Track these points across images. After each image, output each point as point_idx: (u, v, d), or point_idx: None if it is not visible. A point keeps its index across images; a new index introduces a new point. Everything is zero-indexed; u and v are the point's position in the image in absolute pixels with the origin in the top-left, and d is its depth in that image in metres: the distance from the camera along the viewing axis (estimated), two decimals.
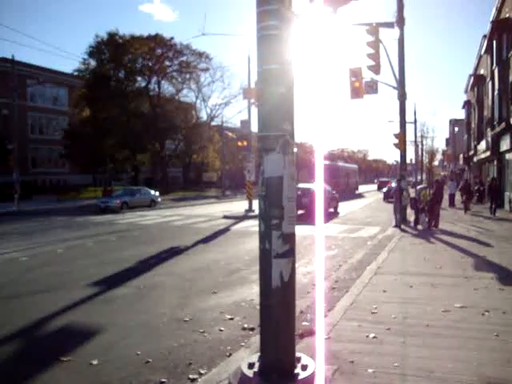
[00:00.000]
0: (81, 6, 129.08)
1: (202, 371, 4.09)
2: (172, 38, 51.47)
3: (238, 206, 27.15)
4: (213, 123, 59.00)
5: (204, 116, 61.24)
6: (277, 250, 3.61)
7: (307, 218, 16.75)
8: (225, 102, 58.38)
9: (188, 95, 59.67)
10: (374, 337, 4.66)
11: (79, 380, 4.00)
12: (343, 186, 49.56)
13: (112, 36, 48.85)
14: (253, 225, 17.22)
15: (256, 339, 4.51)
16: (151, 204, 29.88)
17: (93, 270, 8.79)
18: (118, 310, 6.04)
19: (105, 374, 4.08)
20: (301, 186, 20.91)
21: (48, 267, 9.27)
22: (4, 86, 48.10)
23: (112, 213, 25.42)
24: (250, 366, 3.66)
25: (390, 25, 15.80)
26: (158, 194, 31.85)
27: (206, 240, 13.08)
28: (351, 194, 51.12)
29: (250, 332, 5.13)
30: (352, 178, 56.81)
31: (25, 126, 51.43)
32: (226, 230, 15.93)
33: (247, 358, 3.96)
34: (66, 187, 51.44)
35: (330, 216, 20.97)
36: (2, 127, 48.61)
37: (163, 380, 3.94)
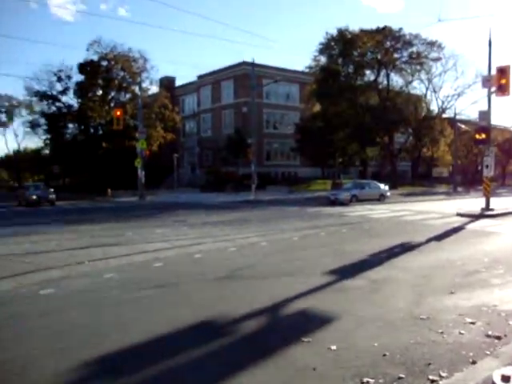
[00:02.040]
0: (307, 5, 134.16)
1: (443, 374, 3.88)
2: (401, 29, 50.19)
3: (472, 203, 25.22)
4: (444, 115, 55.84)
5: (435, 108, 58.31)
6: None
7: None
8: (458, 92, 54.75)
9: (417, 87, 57.30)
10: None
11: (323, 361, 4.16)
12: None
13: (341, 32, 49.67)
14: (491, 224, 15.79)
15: (506, 350, 4.15)
16: (380, 198, 29.68)
17: (326, 259, 9.10)
18: (352, 300, 6.12)
19: (343, 359, 4.18)
20: None
21: (285, 253, 9.91)
22: (244, 87, 52.91)
23: (341, 205, 25.96)
24: (505, 379, 3.33)
25: None
26: (387, 188, 31.46)
27: (439, 237, 12.43)
28: None
29: (496, 340, 4.69)
30: None
31: (261, 121, 55.49)
32: (461, 228, 14.92)
33: (498, 369, 3.64)
34: (296, 179, 54.12)
35: None
36: (242, 123, 53.45)
37: (401, 375, 3.85)
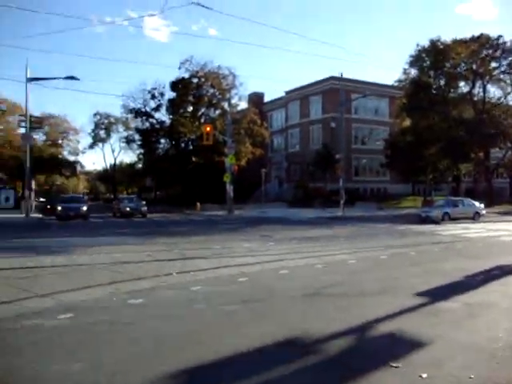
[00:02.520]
0: (396, 17, 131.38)
1: None
2: (500, 37, 47.49)
3: None
4: None
5: None
6: None
7: None
8: None
9: None
10: None
11: None
12: None
13: (433, 43, 48.01)
14: None
15: None
16: (474, 216, 28.15)
17: (416, 279, 8.69)
18: (444, 324, 5.76)
19: None
20: None
21: (373, 271, 9.59)
22: (332, 102, 52.63)
23: (432, 223, 24.95)
24: None
25: None
26: (482, 206, 29.80)
27: None
28: None
29: None
30: None
31: (349, 137, 54.84)
32: None
33: None
34: (385, 195, 52.85)
35: None
36: (330, 139, 53.11)
37: None
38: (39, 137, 75.55)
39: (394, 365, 4.36)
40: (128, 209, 34.57)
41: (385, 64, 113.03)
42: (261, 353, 4.71)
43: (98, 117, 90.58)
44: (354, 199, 44.56)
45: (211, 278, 8.84)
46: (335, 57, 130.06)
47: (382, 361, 4.45)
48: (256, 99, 67.72)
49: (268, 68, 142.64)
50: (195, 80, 56.17)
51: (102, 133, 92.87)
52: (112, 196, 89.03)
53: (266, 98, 72.74)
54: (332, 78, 53.54)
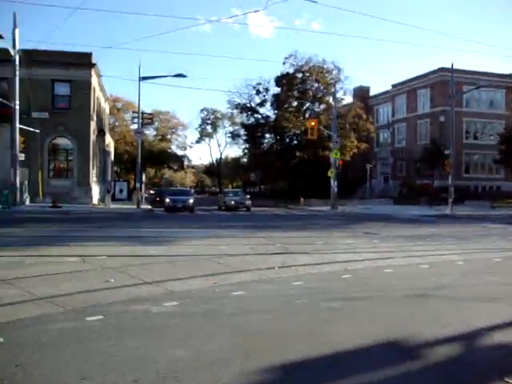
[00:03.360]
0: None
1: None
2: None
3: None
4: None
5: None
6: None
7: None
8: None
9: None
10: None
11: None
12: None
13: None
14: None
15: None
16: None
17: None
18: None
19: None
20: None
21: (484, 275, 8.98)
22: (441, 95, 50.14)
23: None
24: None
25: None
26: None
27: None
28: None
29: None
30: None
31: (460, 131, 51.95)
32: None
33: None
34: (498, 194, 49.51)
35: None
36: (438, 134, 50.71)
37: None
38: (150, 132, 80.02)
39: (510, 381, 4.03)
40: (233, 202, 35.42)
41: (500, 52, 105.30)
42: (361, 353, 4.58)
43: (205, 112, 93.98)
44: (464, 197, 42.23)
45: (313, 274, 8.79)
46: (444, 47, 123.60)
47: (494, 375, 4.12)
48: (361, 93, 66.27)
49: (374, 61, 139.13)
50: (299, 75, 56.14)
51: (209, 128, 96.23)
52: (217, 189, 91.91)
53: (372, 92, 70.97)
54: (441, 69, 51.00)
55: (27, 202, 32.01)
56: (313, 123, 37.06)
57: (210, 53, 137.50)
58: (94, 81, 38.43)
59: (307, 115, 56.32)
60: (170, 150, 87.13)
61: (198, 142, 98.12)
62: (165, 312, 5.89)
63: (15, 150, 30.19)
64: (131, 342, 4.73)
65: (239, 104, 62.65)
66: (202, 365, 4.14)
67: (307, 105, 57.82)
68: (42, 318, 5.54)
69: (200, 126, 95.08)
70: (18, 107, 30.32)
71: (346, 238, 15.27)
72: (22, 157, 30.78)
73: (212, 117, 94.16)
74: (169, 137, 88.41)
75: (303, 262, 9.99)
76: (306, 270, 9.21)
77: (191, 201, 32.80)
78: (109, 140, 53.09)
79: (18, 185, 30.19)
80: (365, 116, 56.28)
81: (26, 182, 32.53)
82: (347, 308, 6.29)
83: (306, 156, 53.01)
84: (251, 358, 4.33)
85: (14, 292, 6.82)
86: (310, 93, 56.69)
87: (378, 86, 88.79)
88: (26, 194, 32.30)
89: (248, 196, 38.74)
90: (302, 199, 44.00)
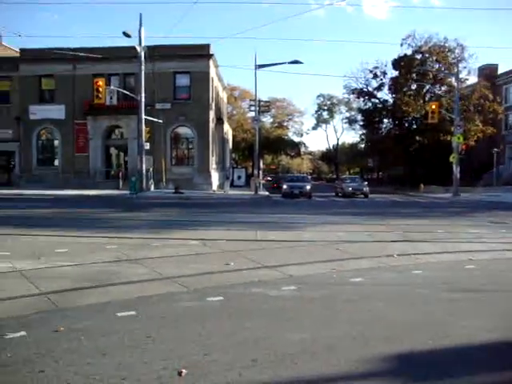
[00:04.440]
0: None
1: None
2: None
3: None
4: None
5: None
6: None
7: None
8: None
9: None
10: None
11: None
12: None
13: None
14: None
15: None
16: None
17: None
18: None
19: None
20: None
21: None
22: None
23: None
24: None
25: None
26: None
27: None
28: None
29: None
30: None
31: None
32: None
33: None
34: None
35: None
36: None
37: None
38: (267, 119, 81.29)
39: None
40: (350, 189, 34.92)
41: None
42: (488, 349, 4.29)
43: (321, 98, 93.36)
44: None
45: (434, 263, 8.41)
46: None
47: None
48: (488, 72, 61.52)
49: (504, 35, 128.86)
50: (419, 56, 53.53)
51: (325, 114, 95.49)
52: (334, 176, 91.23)
53: (501, 70, 65.71)
54: None
55: (152, 188, 34.11)
56: (433, 106, 35.37)
57: (325, 38, 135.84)
58: (212, 71, 39.73)
59: (427, 98, 53.66)
60: (286, 137, 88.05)
61: (314, 128, 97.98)
62: (283, 296, 5.98)
63: (141, 140, 32.33)
64: (250, 323, 4.87)
65: (356, 89, 61.28)
66: (319, 349, 4.15)
67: (427, 87, 54.99)
68: (168, 296, 5.91)
69: (316, 112, 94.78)
70: (143, 100, 32.39)
71: (469, 227, 14.40)
72: (147, 146, 32.89)
73: (328, 103, 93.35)
74: (285, 124, 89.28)
75: (424, 251, 9.60)
76: (427, 258, 8.85)
77: (308, 187, 32.84)
78: (227, 128, 54.76)
79: (143, 172, 32.33)
80: (491, 96, 52.29)
81: (151, 170, 34.67)
82: (471, 300, 5.93)
83: (426, 141, 50.68)
84: (369, 345, 4.26)
85: (142, 271, 7.34)
86: (430, 74, 53.85)
87: (507, 63, 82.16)
88: (151, 180, 34.42)
89: (366, 182, 37.96)
90: (421, 186, 42.25)
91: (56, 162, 39.92)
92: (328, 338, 4.44)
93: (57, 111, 38.58)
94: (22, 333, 4.48)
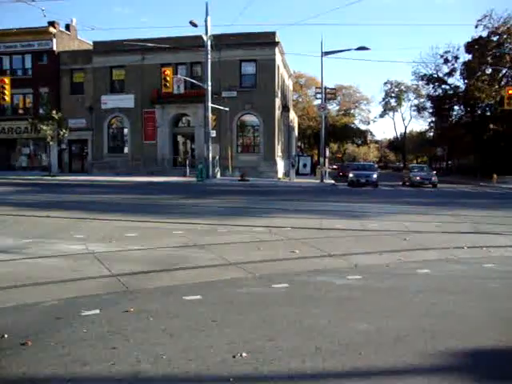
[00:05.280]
0: None
1: None
2: None
3: None
4: None
5: None
6: None
7: None
8: None
9: None
10: None
11: None
12: None
13: None
14: None
15: None
16: None
17: None
18: None
19: None
20: None
21: None
22: None
23: None
24: None
25: None
26: None
27: None
28: None
29: None
30: None
31: None
32: None
33: None
34: None
35: None
36: None
37: None
38: (333, 107, 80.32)
39: None
40: (418, 178, 33.94)
41: None
42: None
43: (389, 85, 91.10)
44: None
45: (509, 257, 8.03)
46: None
47: None
48: None
49: None
50: (495, 38, 50.74)
51: (393, 101, 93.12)
52: (401, 165, 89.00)
53: None
54: None
55: (218, 176, 34.64)
56: (510, 91, 33.56)
57: (393, 22, 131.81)
58: (278, 59, 39.61)
59: (503, 83, 50.97)
60: (352, 125, 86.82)
61: (381, 116, 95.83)
62: (348, 285, 5.92)
63: (208, 128, 32.87)
64: (314, 310, 4.86)
65: (425, 75, 59.22)
66: (385, 340, 4.08)
67: (503, 71, 52.18)
68: (234, 281, 5.99)
69: (383, 99, 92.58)
70: (209, 88, 32.86)
71: None
72: (213, 133, 33.39)
73: (396, 90, 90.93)
74: (352, 111, 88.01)
75: (497, 244, 9.19)
76: (501, 251, 8.46)
77: (375, 176, 32.21)
78: (292, 116, 54.57)
79: (210, 159, 32.87)
80: None
81: (217, 157, 35.19)
82: None
83: (500, 129, 48.35)
84: (436, 339, 4.13)
85: (209, 256, 7.48)
86: (507, 57, 51.07)
87: None
88: (217, 168, 34.96)
89: (434, 172, 36.76)
90: (495, 176, 40.38)
91: (125, 150, 41.32)
92: (394, 329, 4.35)
93: (126, 100, 39.88)
94: (96, 311, 4.71)
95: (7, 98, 35.38)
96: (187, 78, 34.70)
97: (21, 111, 42.50)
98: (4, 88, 34.28)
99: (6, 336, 4.09)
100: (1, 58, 42.12)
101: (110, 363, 3.54)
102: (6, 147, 42.99)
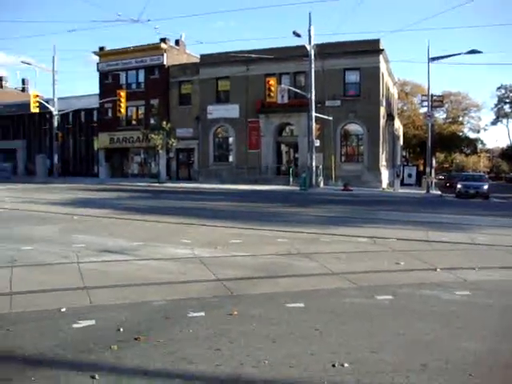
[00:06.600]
0: None
1: None
2: None
3: None
4: None
5: None
6: None
7: None
8: None
9: None
10: None
11: None
12: None
13: None
14: None
15: None
16: None
17: None
18: None
19: None
20: None
21: None
22: None
23: None
24: None
25: None
26: None
27: None
28: None
29: None
30: None
31: None
32: None
33: None
34: None
35: None
36: None
37: None
38: (440, 115, 76.99)
39: None
40: None
41: None
42: None
43: (503, 90, 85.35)
44: None
45: None
46: None
47: None
48: None
49: None
50: None
51: (507, 107, 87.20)
52: None
53: None
54: None
55: (321, 185, 34.47)
56: None
57: (506, 22, 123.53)
58: (383, 66, 38.75)
59: None
60: (461, 134, 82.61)
61: (493, 123, 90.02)
62: (455, 300, 5.65)
63: (311, 137, 32.89)
64: (419, 324, 4.70)
65: None
66: (496, 363, 3.84)
67: None
68: (337, 291, 5.95)
69: (496, 105, 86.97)
70: (313, 97, 32.92)
71: None
72: (317, 143, 33.36)
73: (511, 95, 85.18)
74: (460, 119, 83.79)
75: None
76: None
77: (485, 187, 30.37)
78: (397, 124, 53.06)
79: (313, 168, 32.86)
80: None
81: (321, 166, 35.05)
82: None
83: None
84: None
85: (313, 265, 7.49)
86: None
87: None
88: (321, 177, 34.81)
89: None
90: None
91: (230, 158, 42.40)
92: (508, 351, 4.08)
93: (231, 110, 40.98)
94: (201, 313, 4.91)
95: (123, 111, 38.08)
96: (291, 88, 35.02)
97: (134, 122, 45.19)
98: (121, 101, 36.88)
99: (121, 330, 4.42)
100: (118, 74, 45.20)
101: (215, 364, 3.67)
102: (120, 156, 46.11)
